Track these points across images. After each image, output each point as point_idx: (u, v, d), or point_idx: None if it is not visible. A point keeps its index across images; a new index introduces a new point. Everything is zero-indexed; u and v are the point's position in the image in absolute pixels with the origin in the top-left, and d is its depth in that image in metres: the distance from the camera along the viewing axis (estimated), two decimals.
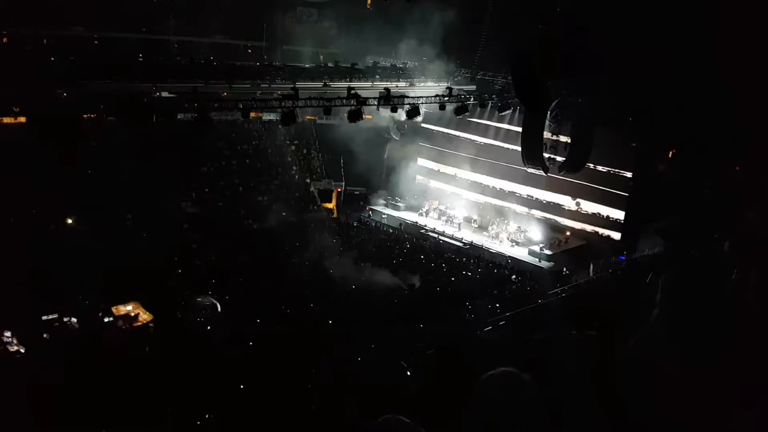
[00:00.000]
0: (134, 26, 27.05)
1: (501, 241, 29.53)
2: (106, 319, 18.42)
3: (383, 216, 32.94)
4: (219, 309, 18.33)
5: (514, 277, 25.14)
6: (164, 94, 24.56)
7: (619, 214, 28.49)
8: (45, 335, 17.20)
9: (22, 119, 23.16)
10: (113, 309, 18.71)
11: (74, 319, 17.99)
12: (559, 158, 24.13)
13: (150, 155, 26.37)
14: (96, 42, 26.39)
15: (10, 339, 16.74)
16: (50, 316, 17.76)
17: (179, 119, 24.19)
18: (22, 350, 16.54)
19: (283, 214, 29.67)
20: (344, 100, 22.63)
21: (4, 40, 23.71)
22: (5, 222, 21.06)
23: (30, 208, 22.39)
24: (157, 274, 21.06)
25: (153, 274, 20.83)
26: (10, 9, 23.29)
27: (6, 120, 23.35)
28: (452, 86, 27.89)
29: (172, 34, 28.79)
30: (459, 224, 31.38)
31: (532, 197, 31.29)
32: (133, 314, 19.00)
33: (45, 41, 24.42)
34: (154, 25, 27.83)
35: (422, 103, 26.19)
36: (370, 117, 28.99)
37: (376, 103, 23.32)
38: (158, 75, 24.63)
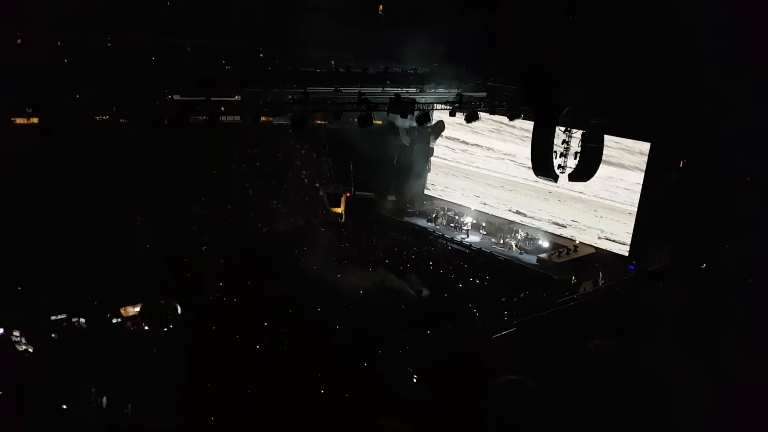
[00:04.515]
0: (147, 29, 27.17)
1: (509, 249, 29.49)
2: (114, 320, 18.50)
3: (392, 221, 32.95)
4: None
5: (522, 284, 25.02)
6: (176, 97, 24.66)
7: (629, 225, 28.39)
8: (53, 335, 17.31)
9: (35, 120, 23.31)
10: (121, 310, 18.79)
11: (82, 320, 18.08)
12: (568, 167, 24.05)
13: (160, 158, 26.51)
14: (109, 44, 26.49)
15: (19, 338, 16.85)
16: (59, 317, 17.87)
17: (190, 122, 24.30)
18: (31, 350, 16.65)
19: (292, 218, 29.74)
20: (354, 105, 22.64)
21: (18, 41, 23.87)
22: (14, 223, 21.20)
23: (40, 209, 22.51)
24: (166, 275, 21.16)
25: (161, 275, 20.94)
26: (24, 10, 23.48)
27: (19, 121, 23.51)
28: (463, 93, 27.86)
29: (185, 38, 28.93)
30: (468, 230, 31.37)
31: (542, 208, 31.36)
32: None
33: (59, 43, 24.58)
34: (166, 28, 27.96)
35: (432, 109, 26.16)
36: (380, 122, 29.03)
37: (386, 108, 23.31)
38: (171, 78, 24.74)
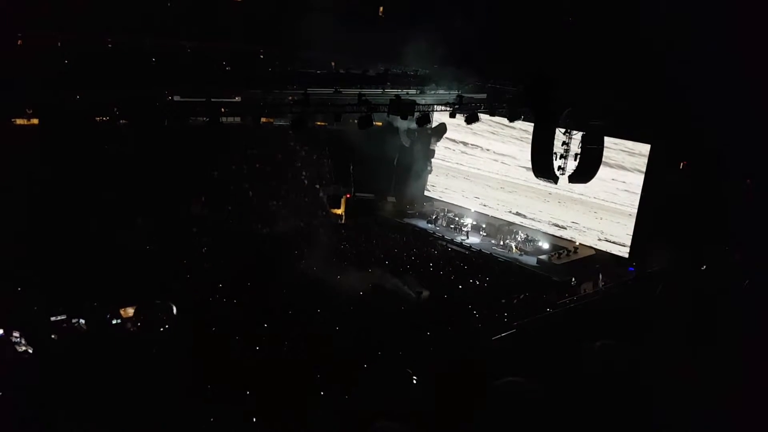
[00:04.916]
0: (148, 30, 27.18)
1: (509, 250, 29.49)
2: (113, 321, 18.50)
3: (392, 222, 32.95)
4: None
5: (522, 286, 25.01)
6: (176, 98, 24.66)
7: (629, 227, 28.39)
8: (53, 336, 17.30)
9: (35, 121, 23.33)
10: (121, 311, 18.79)
11: (82, 321, 18.08)
12: (568, 168, 24.08)
13: (161, 159, 26.52)
14: (110, 45, 26.49)
15: (18, 339, 16.85)
16: (58, 317, 17.86)
17: (191, 123, 24.30)
18: (30, 351, 16.64)
19: (292, 219, 29.74)
20: (355, 107, 22.64)
21: (19, 42, 23.90)
22: (14, 223, 21.21)
23: (39, 210, 22.53)
24: (166, 276, 21.17)
25: (161, 276, 20.95)
26: (25, 11, 23.52)
27: (19, 121, 23.53)
28: (463, 94, 27.88)
29: (186, 39, 28.96)
30: (468, 232, 31.37)
31: (542, 210, 31.36)
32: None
33: (59, 44, 24.58)
34: (167, 29, 27.97)
35: (432, 110, 26.16)
36: (380, 124, 29.02)
37: (386, 109, 23.32)
38: (171, 80, 24.75)
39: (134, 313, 18.68)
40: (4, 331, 16.91)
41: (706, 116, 23.00)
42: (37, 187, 22.96)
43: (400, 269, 24.93)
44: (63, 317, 17.93)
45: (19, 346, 16.76)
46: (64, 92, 21.56)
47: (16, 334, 16.94)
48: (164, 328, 18.05)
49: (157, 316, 18.23)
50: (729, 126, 22.61)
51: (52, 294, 18.62)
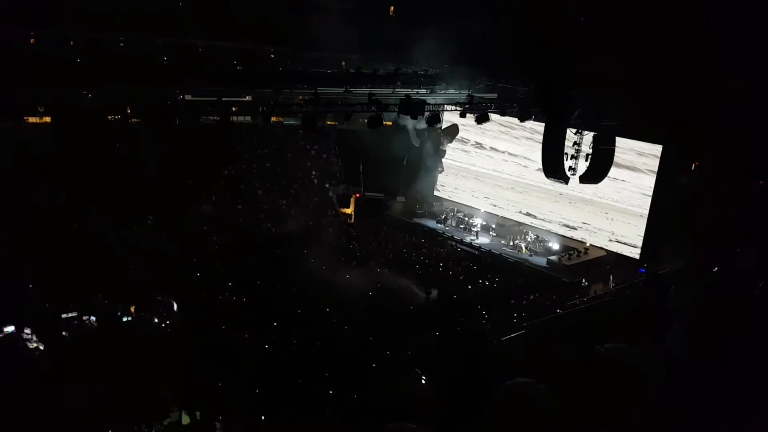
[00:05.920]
0: (159, 29, 27.29)
1: (519, 251, 29.39)
2: (124, 319, 18.59)
3: (401, 222, 32.92)
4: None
5: (531, 286, 24.92)
6: (187, 97, 24.76)
7: (640, 228, 28.22)
8: (64, 333, 17.41)
9: (47, 119, 23.49)
10: (131, 308, 18.88)
11: (93, 318, 18.18)
12: (580, 169, 23.97)
13: (171, 158, 26.63)
14: (121, 44, 26.64)
15: (29, 336, 16.97)
16: (69, 315, 17.97)
17: (201, 122, 24.40)
18: (41, 347, 16.76)
19: (302, 218, 29.78)
20: (365, 106, 22.64)
21: (32, 41, 24.09)
22: (26, 221, 21.37)
23: (52, 207, 22.68)
24: (176, 274, 21.25)
25: (172, 274, 21.03)
26: (38, 10, 23.70)
27: (31, 119, 23.69)
28: (473, 94, 27.79)
29: (197, 38, 29.07)
30: (477, 232, 31.29)
31: (552, 210, 31.22)
32: None
33: (71, 42, 24.76)
34: (178, 28, 28.08)
35: (443, 110, 26.10)
36: (389, 123, 28.99)
37: (396, 109, 23.30)
38: (182, 79, 24.84)
39: (135, 309, 18.77)
40: (16, 327, 17.04)
41: (718, 117, 22.83)
42: (49, 185, 23.12)
43: (410, 269, 24.89)
44: (74, 314, 18.04)
45: (31, 342, 16.88)
46: (76, 91, 21.69)
47: (27, 330, 17.07)
48: (165, 324, 18.13)
49: (158, 312, 18.32)
50: (741, 126, 22.42)
51: (64, 291, 18.75)
